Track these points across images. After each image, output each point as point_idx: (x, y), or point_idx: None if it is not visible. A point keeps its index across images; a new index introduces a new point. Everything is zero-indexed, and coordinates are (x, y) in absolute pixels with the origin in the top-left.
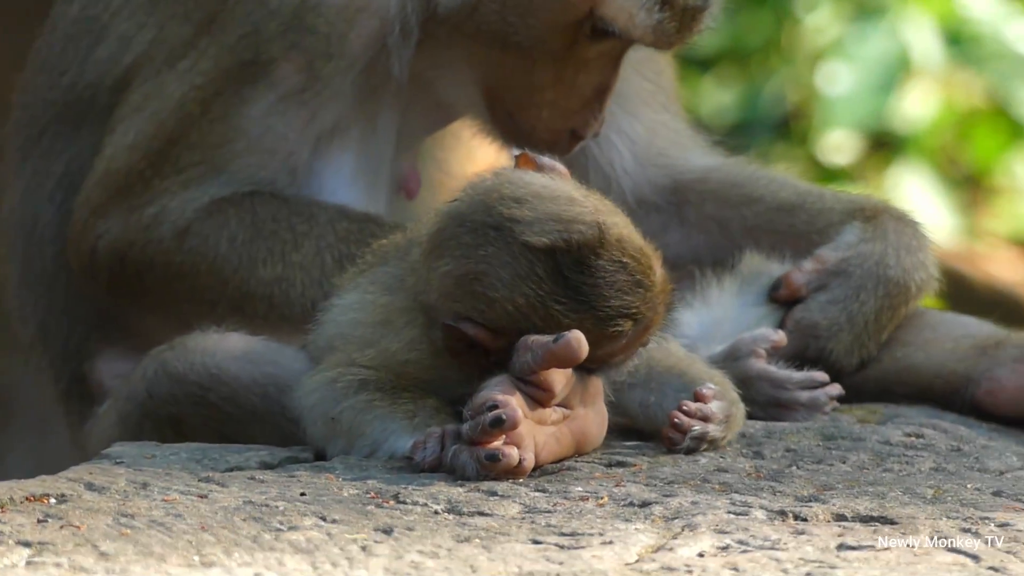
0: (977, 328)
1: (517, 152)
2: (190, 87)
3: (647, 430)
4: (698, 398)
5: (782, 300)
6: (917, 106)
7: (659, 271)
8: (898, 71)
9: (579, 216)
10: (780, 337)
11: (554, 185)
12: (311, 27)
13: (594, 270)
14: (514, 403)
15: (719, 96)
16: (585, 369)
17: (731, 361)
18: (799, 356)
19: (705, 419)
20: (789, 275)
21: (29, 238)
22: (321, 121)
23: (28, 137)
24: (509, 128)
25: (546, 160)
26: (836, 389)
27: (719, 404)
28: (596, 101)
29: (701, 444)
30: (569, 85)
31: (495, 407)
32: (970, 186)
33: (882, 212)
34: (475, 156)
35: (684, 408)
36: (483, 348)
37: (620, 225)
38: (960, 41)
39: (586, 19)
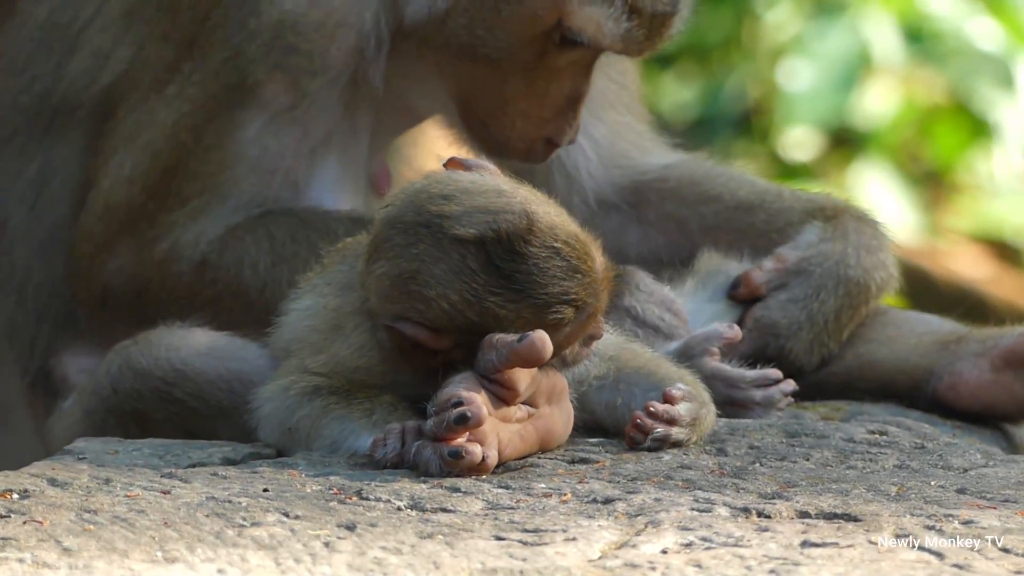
0: (939, 325)
1: (445, 157)
2: (180, 115)
3: (612, 431)
4: (667, 399)
5: (741, 299)
6: (878, 103)
7: (598, 257)
8: (858, 68)
9: (507, 206)
10: (734, 332)
11: (482, 180)
12: (293, 46)
13: (526, 257)
14: (479, 400)
15: (680, 93)
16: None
17: (684, 360)
18: (758, 355)
19: (671, 421)
20: (749, 274)
21: (0, 237)
22: (314, 134)
23: None
24: (484, 137)
25: (474, 160)
26: (790, 386)
27: (687, 406)
28: (570, 109)
29: (664, 445)
30: (541, 94)
31: (460, 404)
32: (932, 183)
33: (842, 212)
34: (441, 152)
35: (651, 409)
36: (426, 348)
37: (552, 213)
38: (921, 38)
39: (554, 30)
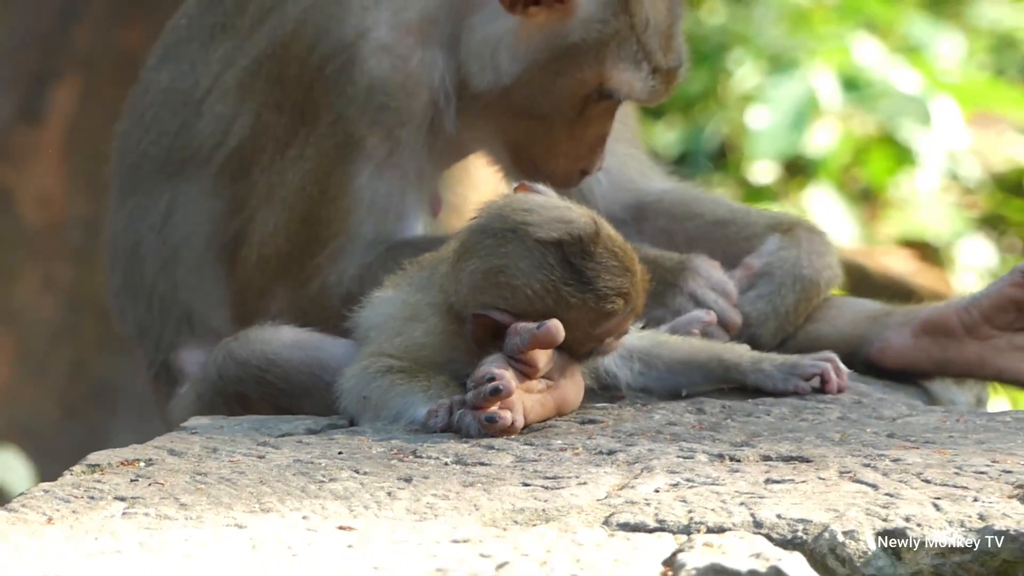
0: (871, 305)
1: (516, 183)
2: (304, 172)
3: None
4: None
5: None
6: (823, 138)
7: (639, 264)
8: (808, 111)
9: (577, 217)
10: (711, 317)
11: (551, 199)
12: (384, 104)
13: (594, 256)
14: (508, 376)
15: (668, 134)
16: (587, 353)
17: None
18: (734, 340)
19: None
20: None
21: (132, 256)
22: (409, 174)
23: (130, 180)
24: (532, 173)
25: (539, 186)
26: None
27: None
28: (598, 145)
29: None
30: (579, 137)
31: (493, 379)
32: (867, 200)
33: (796, 225)
34: (478, 184)
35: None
36: (503, 332)
37: (607, 226)
38: (857, 86)
39: (595, 90)
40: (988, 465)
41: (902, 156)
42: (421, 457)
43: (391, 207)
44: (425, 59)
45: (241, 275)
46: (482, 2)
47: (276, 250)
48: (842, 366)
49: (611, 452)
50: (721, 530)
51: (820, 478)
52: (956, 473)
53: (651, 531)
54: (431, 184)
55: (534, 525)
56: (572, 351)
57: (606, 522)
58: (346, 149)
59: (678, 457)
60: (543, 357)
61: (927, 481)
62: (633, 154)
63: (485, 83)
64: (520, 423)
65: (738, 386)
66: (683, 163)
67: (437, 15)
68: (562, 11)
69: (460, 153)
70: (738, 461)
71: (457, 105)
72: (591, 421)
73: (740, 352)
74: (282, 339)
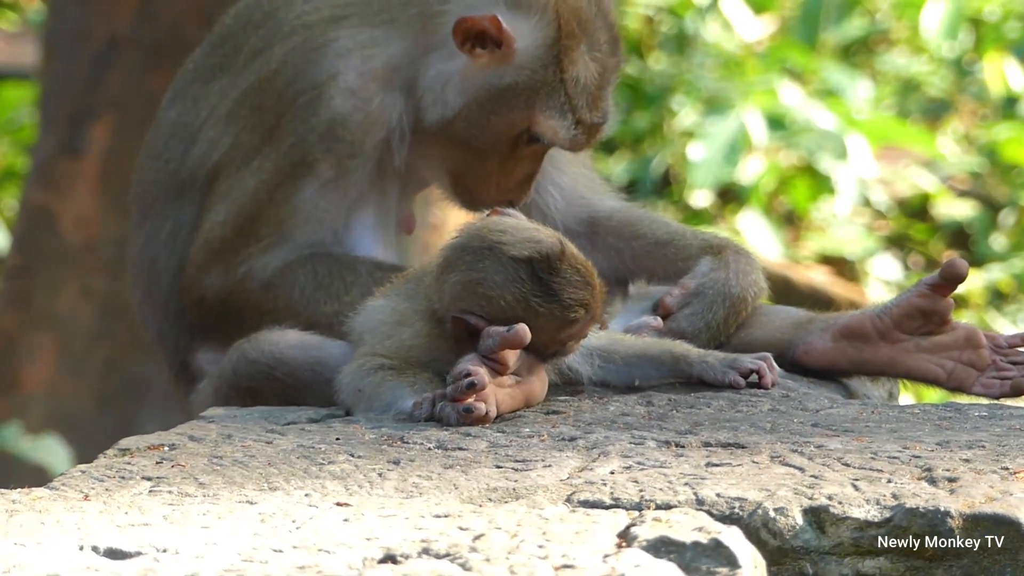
0: (796, 312)
1: (488, 210)
2: (260, 180)
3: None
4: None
5: (659, 316)
6: (753, 169)
7: (598, 278)
8: (740, 145)
9: (545, 238)
10: (658, 323)
11: (522, 222)
12: (340, 136)
13: (560, 271)
14: (482, 372)
15: (619, 165)
16: (552, 354)
17: None
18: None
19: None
20: (663, 299)
21: (150, 272)
22: (350, 197)
23: (145, 204)
24: (467, 198)
25: (510, 211)
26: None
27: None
28: (526, 182)
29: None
30: (510, 172)
31: (469, 375)
32: (791, 222)
33: (725, 247)
34: (446, 207)
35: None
36: (479, 333)
37: (571, 246)
38: (782, 124)
39: (524, 132)
40: (899, 451)
41: (821, 185)
42: (408, 443)
43: (324, 221)
44: (385, 102)
45: (190, 254)
46: (441, 42)
47: (220, 236)
48: (775, 364)
49: (572, 439)
50: (668, 507)
51: (754, 462)
52: (872, 458)
53: (607, 507)
54: (388, 207)
55: (506, 502)
56: (538, 352)
57: (568, 500)
58: (299, 168)
59: (630, 443)
60: (512, 356)
61: (847, 465)
62: (584, 173)
63: (435, 115)
64: (493, 413)
65: (684, 380)
66: (632, 190)
67: (401, 62)
68: (501, 55)
69: (414, 181)
70: (682, 447)
71: (411, 139)
72: (555, 412)
73: (687, 347)
74: (288, 341)
